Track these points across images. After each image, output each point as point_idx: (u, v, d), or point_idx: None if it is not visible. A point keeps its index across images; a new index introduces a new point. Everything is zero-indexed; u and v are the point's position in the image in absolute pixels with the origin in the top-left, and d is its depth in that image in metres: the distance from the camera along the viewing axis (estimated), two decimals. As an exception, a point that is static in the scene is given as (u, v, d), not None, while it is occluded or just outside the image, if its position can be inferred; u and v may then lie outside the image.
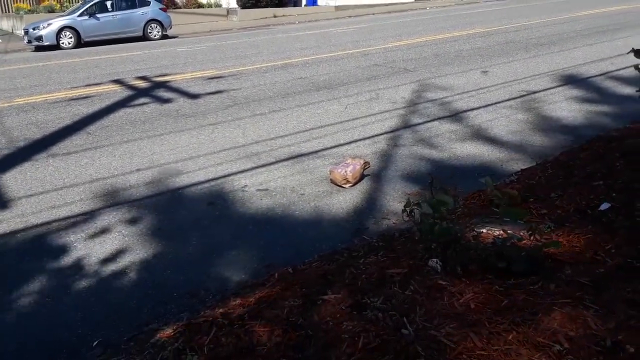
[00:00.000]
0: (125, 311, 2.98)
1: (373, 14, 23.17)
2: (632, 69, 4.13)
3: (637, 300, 2.15)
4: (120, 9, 17.18)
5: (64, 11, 19.91)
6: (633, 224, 2.93)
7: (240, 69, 10.31)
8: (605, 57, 9.34)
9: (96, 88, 9.11)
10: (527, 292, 2.37)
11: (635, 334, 2.01)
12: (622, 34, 11.87)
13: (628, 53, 4.04)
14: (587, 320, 2.12)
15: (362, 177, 4.62)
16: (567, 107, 6.51)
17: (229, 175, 4.92)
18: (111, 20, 16.93)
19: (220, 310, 2.58)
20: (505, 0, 25.57)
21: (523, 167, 4.54)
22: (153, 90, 8.76)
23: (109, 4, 16.93)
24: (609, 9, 17.24)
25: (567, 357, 1.91)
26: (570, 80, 7.89)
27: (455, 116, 6.40)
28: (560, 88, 7.46)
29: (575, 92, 7.22)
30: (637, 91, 4.21)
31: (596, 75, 8.05)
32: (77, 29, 16.33)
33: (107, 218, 4.15)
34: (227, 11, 24.19)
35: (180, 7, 24.45)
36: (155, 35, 17.83)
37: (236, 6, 24.66)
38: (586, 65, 8.79)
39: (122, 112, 7.37)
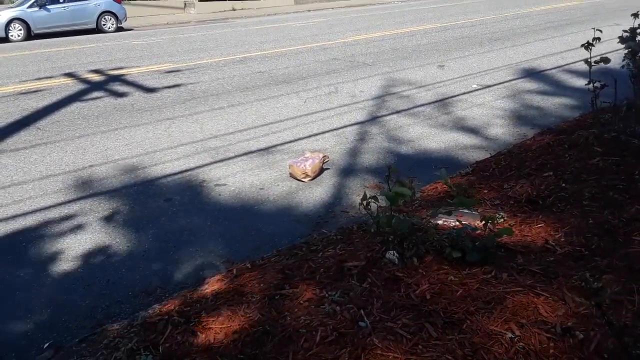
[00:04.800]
0: (78, 312, 2.89)
1: (332, 8, 23.17)
2: (581, 63, 4.28)
3: (584, 287, 2.23)
4: (72, 0, 16.60)
5: (13, 2, 19.08)
6: (581, 213, 3.03)
7: (198, 62, 10.14)
8: (556, 51, 9.63)
9: (47, 82, 8.78)
10: (480, 282, 2.42)
11: (583, 320, 2.08)
12: (571, 29, 12.27)
13: (582, 46, 4.17)
14: (538, 307, 2.18)
15: (321, 170, 4.62)
16: (520, 100, 6.68)
17: (186, 170, 4.84)
18: (62, 11, 16.35)
19: (177, 308, 2.53)
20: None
21: (478, 159, 4.64)
22: (107, 84, 8.51)
23: (59, -6, 16.36)
24: (560, 5, 17.78)
25: (519, 344, 1.96)
26: (524, 74, 8.11)
27: (414, 109, 6.48)
28: (513, 82, 7.65)
29: (528, 85, 7.42)
30: (586, 84, 4.36)
31: (548, 69, 8.29)
32: (27, 20, 15.71)
33: (59, 216, 4.01)
34: (185, 4, 23.74)
35: (135, -1, 23.83)
36: (109, 28, 17.32)
37: (194, -2, 24.21)
38: (538, 60, 9.04)
39: (74, 107, 7.13)
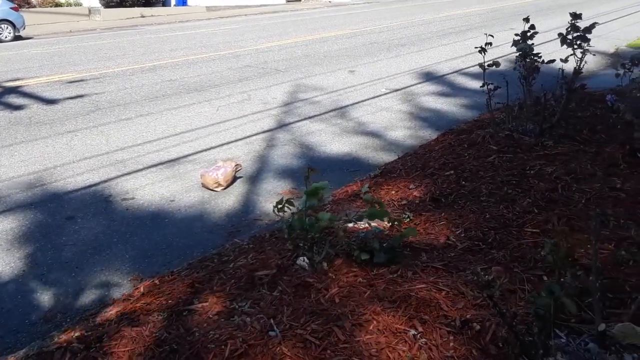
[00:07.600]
0: (-33, 346, 2.66)
1: (245, 15, 23.02)
2: (478, 66, 4.53)
3: (478, 279, 2.35)
4: (-38, 8, 15.33)
5: None
6: (479, 209, 3.20)
7: (103, 71, 9.69)
8: (458, 55, 10.15)
9: None
10: (387, 281, 2.48)
11: (480, 312, 2.19)
12: (471, 34, 12.98)
13: (476, 48, 4.41)
14: (439, 302, 2.27)
15: (234, 179, 4.56)
16: (425, 103, 6.97)
17: (90, 185, 4.60)
18: (-49, 21, 15.06)
19: (77, 333, 2.39)
20: (371, 2, 26.80)
21: (387, 161, 4.77)
22: (1, 96, 7.92)
23: (-53, 3, 15.05)
24: (460, 11, 18.78)
25: (421, 340, 2.03)
26: (428, 77, 8.47)
27: (325, 115, 6.57)
28: (419, 85, 7.98)
29: (432, 88, 7.76)
30: (481, 86, 4.62)
31: (450, 73, 8.72)
32: None
33: (-56, 243, 3.67)
34: (89, 10, 22.63)
35: (35, 6, 22.40)
36: (6, 37, 16.11)
37: (99, 5, 23.16)
38: (441, 64, 9.48)
39: (-37, 123, 6.57)
